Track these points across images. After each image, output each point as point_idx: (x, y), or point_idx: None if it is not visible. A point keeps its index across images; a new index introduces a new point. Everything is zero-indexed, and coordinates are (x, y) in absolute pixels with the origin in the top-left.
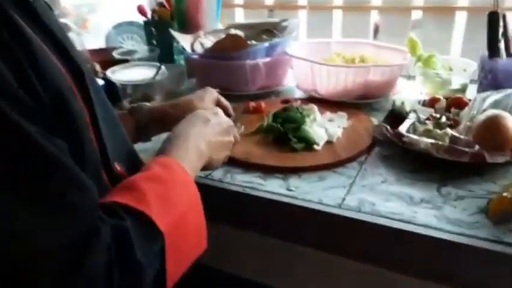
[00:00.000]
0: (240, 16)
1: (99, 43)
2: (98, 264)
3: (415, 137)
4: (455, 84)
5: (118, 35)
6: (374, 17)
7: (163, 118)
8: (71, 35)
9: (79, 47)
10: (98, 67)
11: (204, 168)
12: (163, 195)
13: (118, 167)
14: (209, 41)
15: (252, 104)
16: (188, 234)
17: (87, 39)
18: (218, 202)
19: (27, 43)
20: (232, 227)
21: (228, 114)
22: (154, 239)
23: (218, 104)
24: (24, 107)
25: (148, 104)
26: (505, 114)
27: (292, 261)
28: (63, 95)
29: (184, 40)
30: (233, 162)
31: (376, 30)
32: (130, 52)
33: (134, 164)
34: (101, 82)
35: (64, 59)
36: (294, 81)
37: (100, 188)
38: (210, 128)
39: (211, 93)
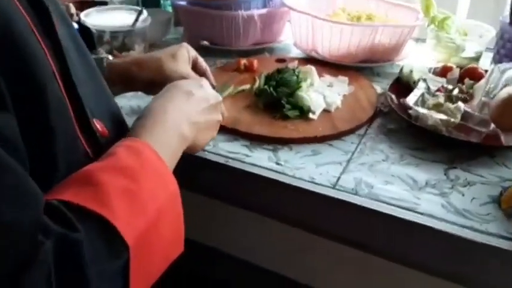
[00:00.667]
0: None
1: None
2: None
3: (423, 110)
4: (469, 52)
5: None
6: None
7: (125, 76)
8: None
9: None
10: (73, 9)
11: (184, 152)
12: (132, 193)
13: (98, 125)
14: None
15: (244, 61)
16: (162, 240)
17: None
18: (198, 173)
19: None
20: (213, 199)
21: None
22: (116, 253)
23: (195, 65)
24: None
25: (109, 57)
26: None
27: (277, 239)
28: (13, 37)
29: None
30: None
31: None
32: None
33: (118, 123)
34: (75, 26)
35: None
36: (292, 37)
37: (75, 152)
38: (194, 105)
39: (187, 51)
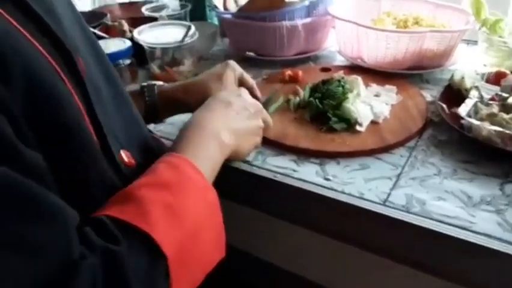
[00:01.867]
0: None
1: None
2: None
3: (476, 122)
4: None
5: None
6: None
7: (174, 102)
8: None
9: (109, 1)
10: (126, 26)
11: (229, 159)
12: (171, 207)
13: (124, 155)
14: None
15: (288, 72)
16: (201, 250)
17: None
18: (246, 187)
19: None
20: (261, 213)
21: (254, 96)
22: (155, 265)
23: (241, 82)
24: None
25: (160, 83)
26: None
27: (328, 256)
28: (37, 78)
29: None
30: (265, 143)
31: None
32: (160, 7)
33: (146, 152)
34: (128, 43)
35: (44, 36)
36: (336, 45)
37: (106, 183)
38: (233, 113)
39: (232, 71)
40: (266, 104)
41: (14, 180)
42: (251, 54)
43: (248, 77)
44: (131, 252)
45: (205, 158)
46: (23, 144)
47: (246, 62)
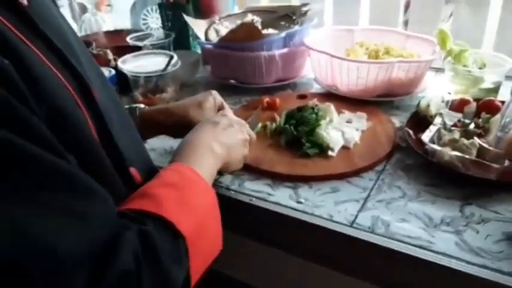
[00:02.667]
0: None
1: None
2: (127, 271)
3: (439, 147)
4: (488, 83)
5: (143, 7)
6: None
7: (155, 124)
8: (87, 16)
9: (95, 28)
10: (110, 55)
11: (222, 171)
12: (181, 200)
13: (134, 173)
14: (224, 28)
15: (266, 99)
16: (208, 238)
17: (110, 16)
18: (224, 210)
19: (16, 55)
20: (237, 235)
21: None
22: (177, 242)
23: (220, 111)
24: (26, 126)
25: (141, 106)
26: None
27: (301, 277)
28: (59, 107)
29: (198, 26)
30: (243, 168)
31: (407, 6)
32: (145, 36)
33: (150, 169)
34: (112, 72)
35: (65, 68)
36: (313, 73)
37: (119, 196)
38: (220, 129)
39: (213, 98)
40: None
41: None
42: (232, 81)
43: (227, 107)
44: (158, 234)
45: (202, 167)
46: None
47: (227, 89)
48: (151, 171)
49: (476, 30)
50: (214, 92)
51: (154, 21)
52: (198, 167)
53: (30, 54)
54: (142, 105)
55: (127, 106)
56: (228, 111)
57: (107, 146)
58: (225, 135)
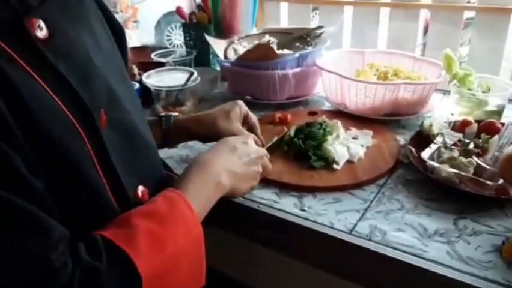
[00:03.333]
0: (284, 10)
1: (148, 33)
2: None
3: (437, 164)
4: (492, 106)
5: (167, 25)
6: (424, 13)
7: (187, 131)
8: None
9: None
10: (136, 69)
11: (224, 198)
12: (157, 235)
13: (140, 192)
14: (242, 47)
15: (278, 115)
16: (180, 277)
17: (135, 33)
18: (231, 215)
19: (11, 87)
20: (243, 239)
21: (255, 134)
22: (130, 283)
23: (245, 119)
24: None
25: (175, 114)
26: None
27: (300, 279)
28: (53, 137)
29: (218, 45)
30: None
31: (426, 28)
32: (168, 53)
33: (160, 182)
34: (136, 86)
35: (70, 98)
36: (324, 92)
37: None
38: (236, 158)
39: (239, 108)
40: (271, 151)
41: (5, 198)
42: (247, 97)
43: (252, 116)
44: (110, 269)
45: (201, 196)
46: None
47: None
48: (161, 183)
49: (494, 56)
50: (240, 102)
51: (177, 38)
52: (196, 196)
53: (31, 85)
54: (176, 114)
55: (163, 114)
56: (249, 124)
57: (107, 170)
58: (238, 165)
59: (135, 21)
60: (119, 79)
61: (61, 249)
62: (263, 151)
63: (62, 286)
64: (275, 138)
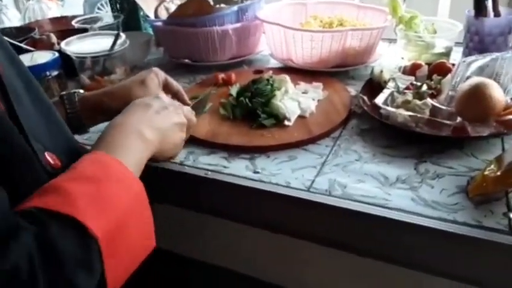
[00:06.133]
0: None
1: (77, 11)
2: (17, 276)
3: (392, 109)
4: (439, 48)
5: (97, 2)
6: None
7: (98, 108)
8: (31, 4)
9: (39, 16)
10: (54, 38)
11: (155, 159)
12: (96, 196)
13: (50, 158)
14: (174, 6)
15: (222, 75)
16: (131, 236)
17: (61, 11)
18: (179, 186)
19: None
20: (196, 212)
21: (181, 100)
22: (86, 245)
23: (166, 87)
24: None
25: (80, 91)
26: (489, 82)
27: (261, 247)
28: None
29: (147, 5)
30: (196, 143)
31: None
32: (93, 20)
33: (73, 155)
34: (55, 55)
35: None
36: (268, 49)
37: (35, 183)
38: (152, 113)
39: (155, 75)
40: (197, 107)
41: None
42: (186, 61)
43: (173, 82)
44: (61, 236)
45: (128, 154)
46: None
47: (181, 69)
48: (75, 155)
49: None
50: (156, 69)
51: (101, 14)
52: (124, 155)
53: None
54: (82, 91)
55: (63, 93)
56: (171, 92)
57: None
58: (157, 119)
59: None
60: None
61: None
62: (177, 103)
63: (24, 250)
64: (209, 105)
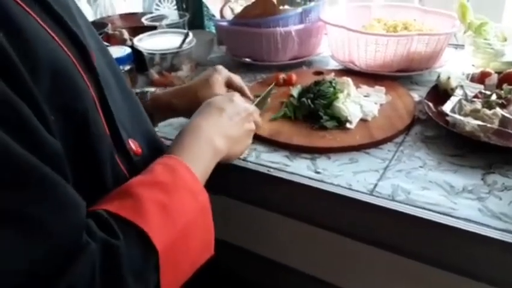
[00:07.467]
0: None
1: (135, 7)
2: (81, 283)
3: (460, 117)
4: (509, 56)
5: None
6: None
7: (166, 107)
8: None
9: (109, 12)
10: (126, 34)
11: (221, 161)
12: (164, 205)
13: (133, 145)
14: (239, 6)
15: (282, 75)
16: (190, 248)
17: (124, 4)
18: (242, 181)
19: (12, 22)
20: (256, 207)
21: (244, 96)
22: (147, 258)
23: (230, 85)
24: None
25: (151, 89)
26: None
27: (319, 247)
28: (59, 70)
29: (213, 4)
30: (259, 141)
31: None
32: (160, 17)
33: (152, 142)
34: (128, 50)
35: (63, 33)
36: (329, 50)
37: (114, 173)
38: (226, 119)
39: (219, 74)
40: (260, 104)
41: (35, 166)
42: (247, 60)
43: (236, 79)
44: (127, 247)
45: (199, 163)
46: (45, 131)
47: (242, 68)
48: (153, 144)
49: (496, 5)
50: (219, 67)
51: (166, 11)
52: (195, 163)
53: (28, 20)
54: (153, 89)
55: (137, 91)
56: (234, 89)
57: (105, 116)
58: (230, 127)
59: None
60: (87, 26)
61: (84, 225)
62: (252, 107)
63: (87, 267)
64: (263, 94)
